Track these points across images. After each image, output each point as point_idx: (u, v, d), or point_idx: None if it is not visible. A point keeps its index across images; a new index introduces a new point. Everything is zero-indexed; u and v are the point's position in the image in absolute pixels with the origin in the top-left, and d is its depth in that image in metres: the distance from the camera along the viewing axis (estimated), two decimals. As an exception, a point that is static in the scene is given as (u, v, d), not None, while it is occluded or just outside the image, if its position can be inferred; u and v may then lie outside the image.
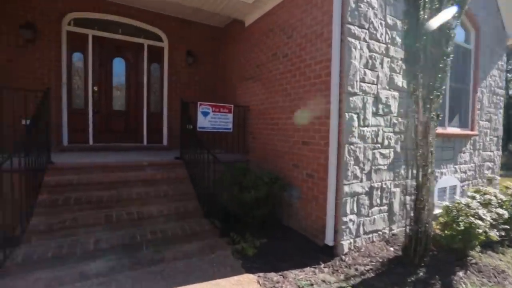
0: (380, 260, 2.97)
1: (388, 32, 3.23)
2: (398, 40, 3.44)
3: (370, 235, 3.30)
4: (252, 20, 5.03)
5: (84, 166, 3.91)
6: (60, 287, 2.45)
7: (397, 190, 3.55)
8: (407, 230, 2.89)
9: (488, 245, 3.42)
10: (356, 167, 3.04)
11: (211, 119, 4.81)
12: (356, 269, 2.84)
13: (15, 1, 4.70)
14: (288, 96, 3.93)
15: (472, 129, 5.06)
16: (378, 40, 3.16)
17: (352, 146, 2.95)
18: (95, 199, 3.51)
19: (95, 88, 5.51)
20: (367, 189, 3.19)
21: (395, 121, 3.44)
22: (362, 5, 3.05)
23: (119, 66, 5.77)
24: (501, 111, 5.74)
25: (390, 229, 3.50)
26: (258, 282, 2.64)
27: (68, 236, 3.09)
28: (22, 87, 3.82)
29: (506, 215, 3.44)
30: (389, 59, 3.28)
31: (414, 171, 2.85)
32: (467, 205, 3.18)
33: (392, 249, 3.21)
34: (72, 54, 5.32)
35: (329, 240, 2.99)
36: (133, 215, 3.48)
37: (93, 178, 3.78)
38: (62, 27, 5.16)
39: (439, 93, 2.75)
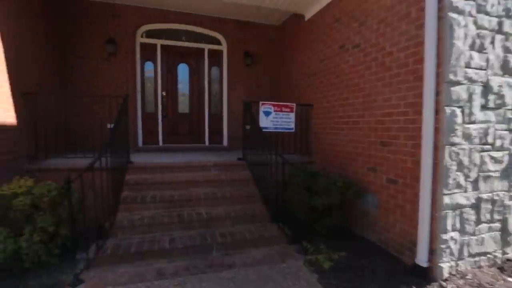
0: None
1: (501, 1, 2.57)
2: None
3: (477, 258, 2.69)
4: (314, 12, 4.75)
5: (156, 166, 4.13)
6: (142, 283, 2.56)
7: (513, 203, 2.84)
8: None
9: None
10: (459, 174, 2.47)
11: (273, 119, 4.68)
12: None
13: (102, 22, 5.27)
14: (361, 91, 3.55)
15: None
16: (488, 13, 2.52)
17: (454, 148, 2.41)
18: (167, 198, 3.65)
19: (164, 94, 5.86)
20: (473, 201, 2.60)
21: (511, 116, 2.78)
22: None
23: (183, 72, 6.05)
24: None
25: (504, 253, 2.82)
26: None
27: (147, 232, 3.26)
28: (107, 95, 4.20)
29: None
30: (502, 37, 2.61)
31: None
32: None
33: (511, 279, 2.57)
34: (144, 63, 5.75)
35: (421, 260, 2.51)
36: (202, 215, 3.52)
37: (165, 177, 3.96)
38: (136, 39, 5.61)
39: None
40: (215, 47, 6.15)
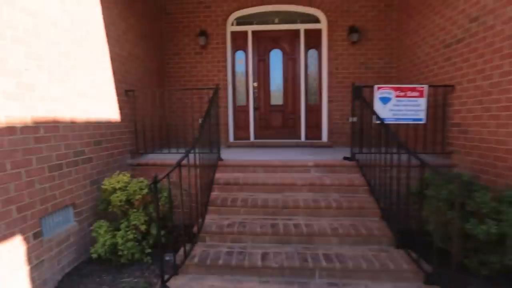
0: None
1: None
2: None
3: None
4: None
5: (248, 164, 3.64)
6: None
7: None
8: None
9: None
10: None
11: (393, 106, 3.53)
12: None
13: (194, 14, 5.19)
14: None
15: None
16: None
17: None
18: (260, 202, 3.09)
19: (255, 84, 5.42)
20: None
21: None
22: None
23: (275, 59, 5.45)
24: None
25: None
26: None
27: (236, 241, 2.79)
28: (197, 87, 3.96)
29: None
30: None
31: None
32: None
33: None
34: (235, 53, 5.42)
35: None
36: (300, 228, 2.81)
37: (258, 178, 3.42)
38: (227, 28, 5.32)
39: None
40: (312, 26, 5.30)
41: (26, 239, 2.11)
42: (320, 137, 5.44)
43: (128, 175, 2.88)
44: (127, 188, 2.63)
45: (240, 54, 5.43)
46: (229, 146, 5.26)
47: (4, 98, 1.97)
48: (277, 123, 5.50)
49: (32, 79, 2.22)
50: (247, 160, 3.74)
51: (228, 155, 4.16)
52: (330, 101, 5.27)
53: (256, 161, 3.69)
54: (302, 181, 3.34)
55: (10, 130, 2.00)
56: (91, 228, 2.66)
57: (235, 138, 5.50)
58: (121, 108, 3.54)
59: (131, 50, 3.90)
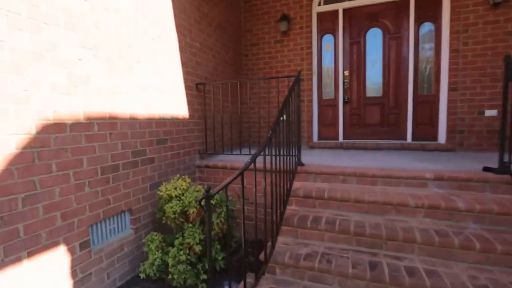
0: None
1: None
2: None
3: None
4: None
5: (337, 172, 2.82)
6: None
7: None
8: None
9: None
10: None
11: None
12: None
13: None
14: None
15: None
16: None
17: None
18: (353, 227, 2.26)
19: (346, 73, 4.47)
20: None
21: None
22: None
23: (373, 40, 4.36)
24: None
25: None
26: None
27: (317, 280, 2.05)
28: (277, 77, 3.36)
29: None
30: None
31: None
32: None
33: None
34: (322, 38, 4.59)
35: None
36: (419, 277, 1.85)
37: (349, 191, 2.58)
38: (313, 9, 4.54)
39: None
40: (428, -9, 3.99)
41: (71, 250, 1.91)
42: (434, 137, 4.08)
43: (189, 180, 2.51)
44: (184, 197, 2.24)
45: (328, 39, 4.58)
46: (312, 147, 4.49)
47: (52, 91, 1.80)
48: (373, 120, 4.41)
49: (87, 70, 2.03)
50: (335, 166, 2.92)
51: (311, 158, 3.42)
52: (452, 89, 3.86)
53: (347, 168, 2.84)
54: (416, 201, 2.32)
55: (58, 127, 1.83)
56: (143, 241, 2.39)
57: (320, 137, 4.68)
58: (189, 103, 3.27)
59: (204, 41, 3.61)
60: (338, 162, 3.19)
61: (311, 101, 4.53)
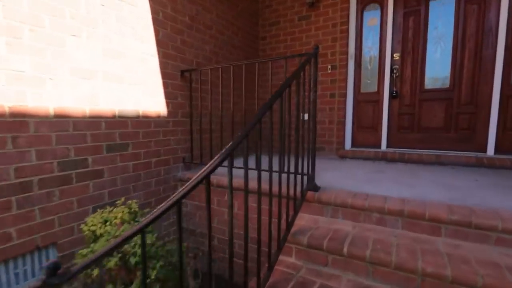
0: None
1: None
2: None
3: None
4: None
5: (369, 207, 1.76)
6: None
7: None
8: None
9: None
10: None
11: None
12: None
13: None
14: None
15: None
16: None
17: None
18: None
19: (396, 56, 3.24)
20: None
21: None
22: None
23: (439, 8, 3.06)
24: None
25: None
26: None
27: None
28: (287, 57, 2.37)
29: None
30: None
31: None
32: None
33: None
34: (363, 10, 3.41)
35: None
36: None
37: (387, 246, 1.52)
38: (353, -27, 3.39)
39: None
40: None
41: None
42: (538, 152, 2.68)
43: (136, 206, 1.69)
44: (117, 234, 1.44)
45: (372, 12, 3.38)
46: (343, 156, 3.38)
47: None
48: (433, 122, 3.13)
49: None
50: (368, 195, 1.85)
51: (334, 176, 2.38)
52: None
53: (388, 201, 1.75)
54: (527, 288, 1.18)
55: None
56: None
57: (355, 143, 3.54)
58: (169, 96, 2.45)
59: (198, 15, 2.76)
60: (376, 185, 2.10)
61: (344, 95, 3.41)
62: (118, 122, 2.06)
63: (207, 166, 1.10)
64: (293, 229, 1.73)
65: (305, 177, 1.89)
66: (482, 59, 2.87)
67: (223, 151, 1.17)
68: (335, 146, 3.47)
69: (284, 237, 1.63)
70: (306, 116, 2.10)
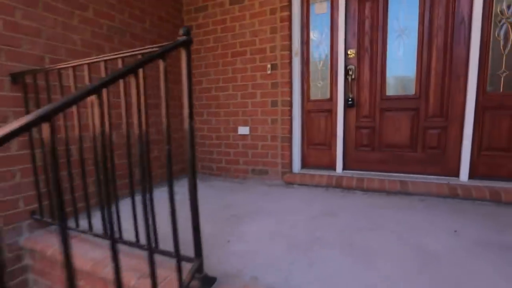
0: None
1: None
2: None
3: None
4: None
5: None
6: None
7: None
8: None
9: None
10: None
11: None
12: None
13: None
14: None
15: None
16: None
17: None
18: None
19: (351, 53, 2.54)
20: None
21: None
22: None
23: (398, 1, 2.39)
24: None
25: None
26: None
27: None
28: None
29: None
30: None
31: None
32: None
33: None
34: (311, -5, 2.66)
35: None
36: None
37: None
38: None
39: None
40: None
41: None
42: (521, 178, 2.14)
43: None
44: None
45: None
46: (291, 182, 2.63)
47: None
48: (397, 137, 2.49)
49: None
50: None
51: (261, 232, 1.59)
52: None
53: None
54: None
55: None
56: None
57: (306, 164, 2.82)
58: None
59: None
60: (315, 258, 1.34)
61: (289, 103, 2.64)
62: None
63: None
64: None
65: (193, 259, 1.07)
66: (453, 59, 2.26)
67: None
68: (280, 169, 2.71)
69: None
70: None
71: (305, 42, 2.67)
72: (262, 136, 2.74)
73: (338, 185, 2.44)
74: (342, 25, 2.51)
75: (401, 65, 2.43)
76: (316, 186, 2.54)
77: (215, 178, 2.98)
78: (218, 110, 2.90)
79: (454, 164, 2.32)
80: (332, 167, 2.69)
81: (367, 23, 2.48)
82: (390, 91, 2.48)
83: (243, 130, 2.79)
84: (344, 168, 2.67)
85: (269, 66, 2.61)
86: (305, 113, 2.75)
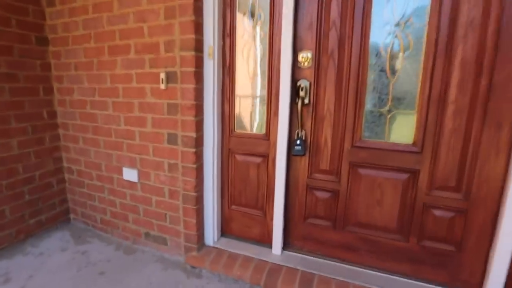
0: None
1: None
2: None
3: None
4: None
5: None
6: None
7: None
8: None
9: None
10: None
11: None
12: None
13: None
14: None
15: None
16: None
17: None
18: None
19: (304, 59, 1.41)
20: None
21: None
22: None
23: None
24: None
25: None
26: None
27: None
28: None
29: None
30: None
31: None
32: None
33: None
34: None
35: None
36: None
37: None
38: None
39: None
40: None
41: None
42: None
43: None
44: None
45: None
46: (198, 265, 1.59)
47: None
48: (376, 213, 1.42)
49: None
50: None
51: None
52: None
53: None
54: None
55: None
56: None
57: (227, 230, 1.77)
58: None
59: None
60: None
61: (194, 142, 1.54)
62: None
63: None
64: None
65: None
66: (492, 88, 1.14)
67: None
68: (183, 240, 1.67)
69: None
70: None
71: (228, 34, 1.54)
72: (157, 189, 1.68)
73: (273, 278, 1.40)
74: (291, 7, 1.36)
75: (392, 85, 1.31)
76: (238, 278, 1.50)
77: (99, 235, 1.98)
78: (96, 138, 1.84)
79: (475, 274, 1.26)
80: (267, 242, 1.65)
81: (335, 5, 1.34)
82: (370, 133, 1.38)
83: (130, 174, 1.74)
84: (285, 246, 1.62)
85: (162, 75, 1.50)
86: (227, 153, 1.66)
